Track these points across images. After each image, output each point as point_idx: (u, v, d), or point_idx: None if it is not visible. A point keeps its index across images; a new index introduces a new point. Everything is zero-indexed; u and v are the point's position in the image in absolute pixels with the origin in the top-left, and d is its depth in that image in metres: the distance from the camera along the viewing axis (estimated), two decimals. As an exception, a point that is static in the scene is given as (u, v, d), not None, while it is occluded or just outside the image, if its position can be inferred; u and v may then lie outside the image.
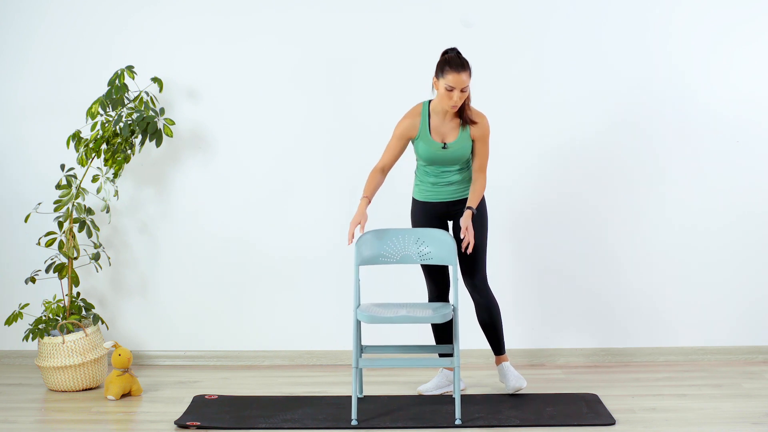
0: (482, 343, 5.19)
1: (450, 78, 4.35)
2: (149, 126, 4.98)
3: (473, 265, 4.60)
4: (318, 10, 5.26)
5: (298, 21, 5.27)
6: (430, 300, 4.72)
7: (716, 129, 5.27)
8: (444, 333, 4.70)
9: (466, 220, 4.45)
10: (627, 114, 5.28)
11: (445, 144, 4.49)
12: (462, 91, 4.37)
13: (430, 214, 4.62)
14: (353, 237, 4.41)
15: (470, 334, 5.11)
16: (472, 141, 4.52)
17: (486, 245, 4.64)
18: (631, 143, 5.28)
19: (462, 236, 4.45)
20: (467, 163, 4.58)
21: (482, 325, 4.69)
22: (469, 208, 4.49)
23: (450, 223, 4.68)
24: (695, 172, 5.29)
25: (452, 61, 4.37)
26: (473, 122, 4.49)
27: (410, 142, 4.58)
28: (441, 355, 4.72)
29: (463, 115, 4.48)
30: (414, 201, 4.68)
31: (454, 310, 4.43)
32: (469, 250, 4.44)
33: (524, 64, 5.27)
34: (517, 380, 4.63)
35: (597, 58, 5.26)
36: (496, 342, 4.70)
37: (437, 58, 4.98)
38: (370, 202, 4.50)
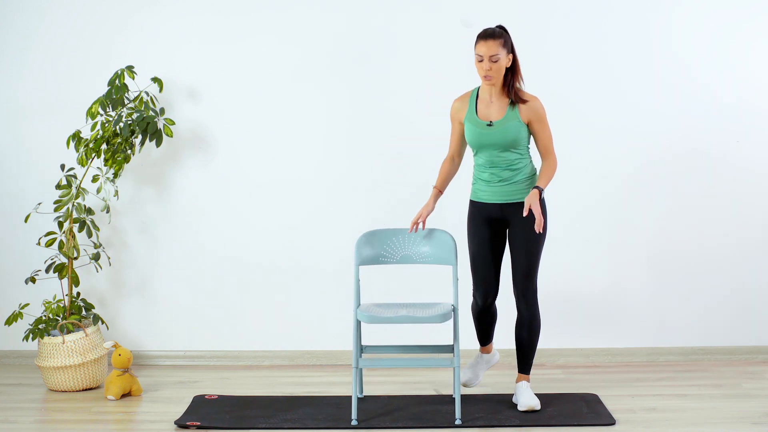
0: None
1: (478, 47, 4.30)
2: (149, 126, 4.99)
3: (527, 272, 4.44)
4: (318, 10, 5.27)
5: (298, 21, 5.27)
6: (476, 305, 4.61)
7: (719, 129, 5.29)
8: (488, 327, 4.65)
9: (531, 197, 4.28)
10: (627, 117, 5.29)
11: (491, 122, 4.35)
12: (493, 60, 4.27)
13: (484, 217, 4.44)
14: (415, 227, 4.45)
15: (468, 334, 5.07)
16: (527, 124, 4.37)
17: (541, 252, 4.47)
18: (630, 146, 5.29)
19: (525, 213, 4.28)
20: (521, 156, 4.40)
21: (518, 342, 4.51)
22: (536, 187, 4.32)
23: (507, 232, 4.49)
24: (694, 174, 5.30)
25: (480, 32, 4.33)
26: (522, 100, 4.36)
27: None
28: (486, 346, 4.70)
29: (511, 92, 4.37)
30: (470, 204, 4.52)
31: (455, 310, 4.43)
32: (539, 228, 4.27)
33: (525, 65, 5.26)
34: (531, 398, 4.45)
35: (598, 56, 5.27)
36: (525, 361, 4.53)
37: (439, 57, 4.97)
38: (441, 192, 4.50)
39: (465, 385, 4.70)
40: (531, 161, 4.46)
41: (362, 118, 5.28)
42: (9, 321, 4.98)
